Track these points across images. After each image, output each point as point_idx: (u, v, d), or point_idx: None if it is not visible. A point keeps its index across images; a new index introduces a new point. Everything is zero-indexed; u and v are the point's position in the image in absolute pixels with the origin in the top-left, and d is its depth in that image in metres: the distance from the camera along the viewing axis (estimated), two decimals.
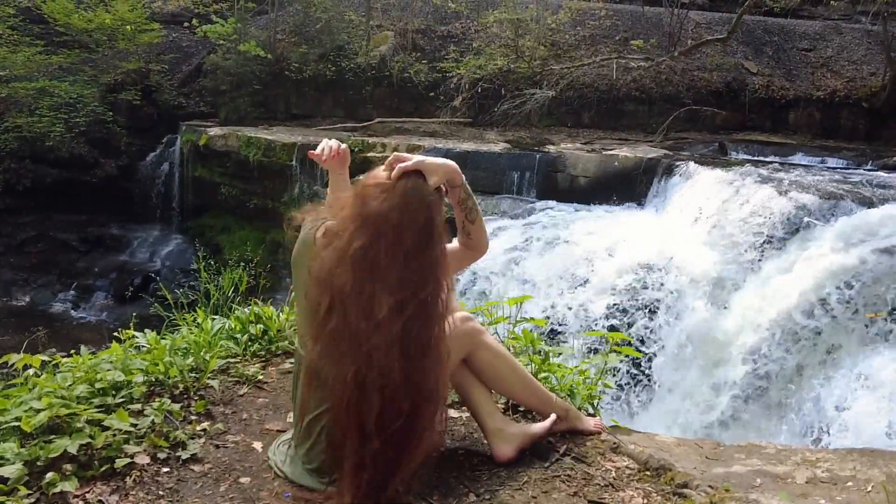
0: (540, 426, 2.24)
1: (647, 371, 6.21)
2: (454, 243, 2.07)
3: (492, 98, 12.21)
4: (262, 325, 3.07)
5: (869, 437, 4.90)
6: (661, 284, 6.64)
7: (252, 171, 11.18)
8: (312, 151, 2.33)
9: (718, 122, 12.40)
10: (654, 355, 6.27)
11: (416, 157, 1.86)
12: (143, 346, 2.77)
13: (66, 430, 2.04)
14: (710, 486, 2.05)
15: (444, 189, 1.94)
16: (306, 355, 2.00)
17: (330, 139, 2.36)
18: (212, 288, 3.42)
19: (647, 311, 6.50)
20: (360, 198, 1.82)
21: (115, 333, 2.80)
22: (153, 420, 2.21)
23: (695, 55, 12.93)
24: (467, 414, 2.36)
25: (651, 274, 6.76)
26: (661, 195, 8.69)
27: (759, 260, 6.61)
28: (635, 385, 6.18)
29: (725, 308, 6.35)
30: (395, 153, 1.90)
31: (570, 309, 6.78)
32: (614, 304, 6.63)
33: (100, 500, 1.87)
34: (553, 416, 2.26)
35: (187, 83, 13.85)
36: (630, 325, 6.44)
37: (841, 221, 6.48)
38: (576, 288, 6.95)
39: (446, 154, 9.67)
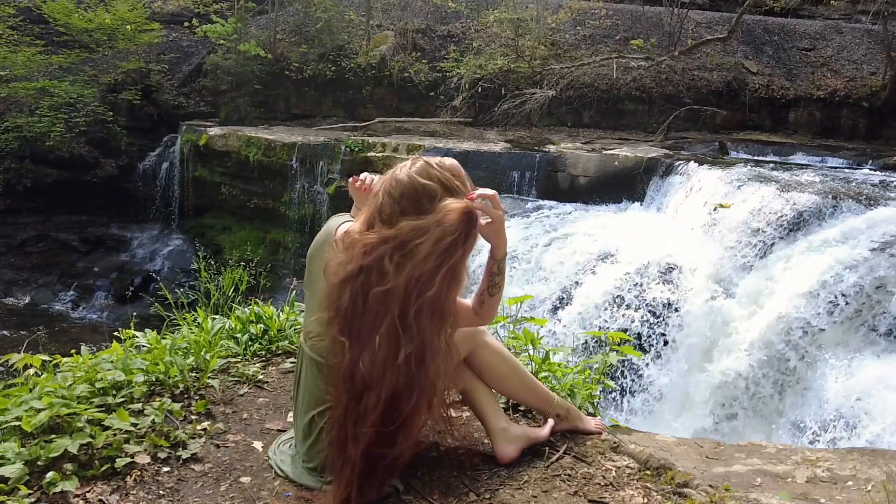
0: (544, 431, 2.26)
1: (645, 370, 6.21)
2: (468, 301, 2.09)
3: (492, 98, 12.21)
4: (262, 325, 3.07)
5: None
6: (661, 284, 6.63)
7: (252, 171, 11.18)
8: (355, 177, 2.33)
9: (718, 121, 12.40)
10: (653, 354, 6.26)
11: (498, 215, 1.90)
12: (143, 346, 2.77)
13: (66, 429, 2.04)
14: (710, 486, 2.05)
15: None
16: (313, 351, 2.02)
17: (373, 174, 2.37)
18: (212, 288, 3.42)
19: (646, 310, 6.50)
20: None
21: (116, 333, 2.80)
22: (153, 420, 2.21)
23: (695, 55, 12.93)
24: (468, 413, 2.37)
25: (651, 273, 6.75)
26: (661, 195, 8.69)
27: (759, 259, 6.61)
28: (634, 385, 6.17)
29: (724, 307, 6.34)
30: (483, 193, 1.89)
31: (570, 307, 6.78)
32: (614, 304, 6.62)
33: (100, 500, 1.87)
34: (551, 422, 2.28)
35: (187, 83, 13.85)
36: (629, 324, 6.43)
37: (840, 221, 6.47)
38: (576, 287, 6.95)
39: (446, 154, 9.68)
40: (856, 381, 5.25)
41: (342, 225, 2.00)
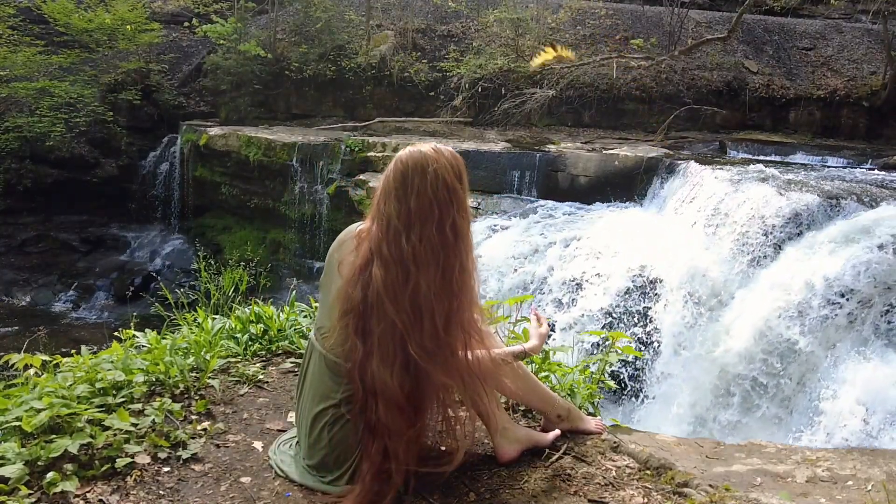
0: (547, 437, 2.25)
1: (644, 372, 6.21)
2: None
3: (492, 97, 12.21)
4: (262, 325, 3.07)
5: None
6: (661, 284, 6.63)
7: (252, 171, 11.18)
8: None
9: (719, 121, 12.39)
10: (652, 355, 6.27)
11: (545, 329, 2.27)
12: (143, 346, 2.77)
13: (66, 429, 2.04)
14: (710, 486, 2.05)
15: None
16: (324, 348, 2.03)
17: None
18: (212, 288, 3.42)
19: (645, 310, 6.50)
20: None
21: (116, 333, 2.80)
22: (154, 420, 2.21)
23: (695, 54, 12.93)
24: (467, 413, 2.36)
25: (650, 274, 6.75)
26: (661, 195, 8.68)
27: (759, 259, 6.60)
28: (633, 385, 6.18)
29: (724, 307, 6.34)
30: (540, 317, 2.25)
31: (570, 309, 6.78)
32: (614, 304, 6.62)
33: (100, 500, 1.87)
34: (557, 431, 2.28)
35: (187, 83, 13.86)
36: (629, 325, 6.43)
37: (840, 221, 6.47)
38: (576, 288, 6.95)
39: None
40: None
41: (362, 225, 2.04)
